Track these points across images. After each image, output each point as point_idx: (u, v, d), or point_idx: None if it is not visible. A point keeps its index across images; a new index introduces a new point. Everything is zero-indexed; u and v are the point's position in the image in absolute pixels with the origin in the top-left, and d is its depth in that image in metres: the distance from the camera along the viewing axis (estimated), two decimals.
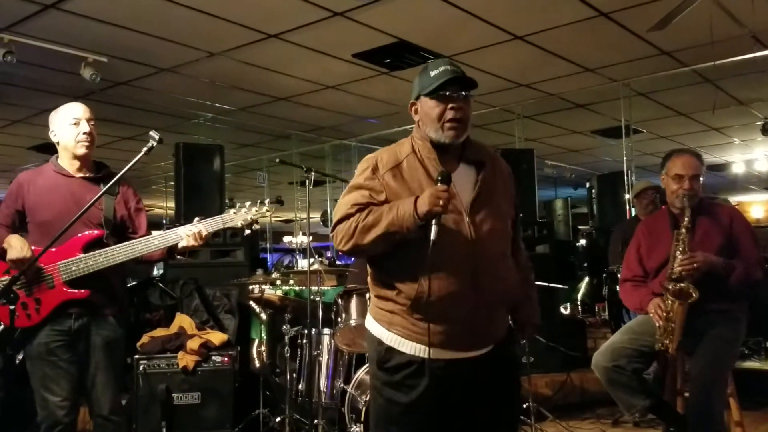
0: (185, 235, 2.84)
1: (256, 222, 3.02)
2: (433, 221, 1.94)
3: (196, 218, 2.92)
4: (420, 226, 1.97)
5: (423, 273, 1.99)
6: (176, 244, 2.86)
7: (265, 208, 3.01)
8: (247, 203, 3.01)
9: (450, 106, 2.08)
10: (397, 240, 2.01)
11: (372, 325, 2.20)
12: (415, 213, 1.96)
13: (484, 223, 2.08)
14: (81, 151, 2.89)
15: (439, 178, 2.00)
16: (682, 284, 3.03)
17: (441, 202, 1.93)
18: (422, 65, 2.25)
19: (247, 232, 3.07)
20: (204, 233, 2.86)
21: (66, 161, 2.94)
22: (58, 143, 2.94)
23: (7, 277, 2.71)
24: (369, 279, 2.23)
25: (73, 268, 2.76)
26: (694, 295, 2.98)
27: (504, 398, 2.20)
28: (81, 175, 2.93)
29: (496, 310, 2.14)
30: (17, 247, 2.70)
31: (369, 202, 2.08)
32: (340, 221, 2.09)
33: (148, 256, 2.88)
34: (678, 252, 3.08)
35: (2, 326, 2.74)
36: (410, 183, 2.09)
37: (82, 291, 2.79)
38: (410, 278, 2.04)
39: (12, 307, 2.57)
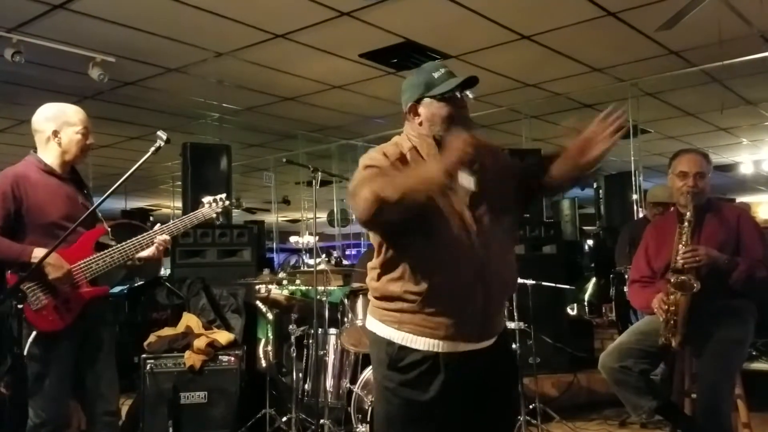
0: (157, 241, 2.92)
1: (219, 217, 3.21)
2: (467, 172, 1.98)
3: (158, 225, 3.00)
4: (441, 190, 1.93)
5: (435, 265, 2.02)
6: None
7: (226, 203, 3.14)
8: (210, 198, 3.13)
9: (459, 105, 2.17)
10: (422, 194, 1.88)
11: (377, 326, 2.14)
12: (439, 167, 1.88)
13: (485, 217, 2.12)
14: (81, 159, 2.91)
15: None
16: (683, 276, 3.02)
17: (469, 149, 1.86)
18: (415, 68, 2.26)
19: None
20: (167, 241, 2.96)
21: (55, 161, 2.87)
22: (59, 142, 2.85)
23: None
24: (370, 281, 2.18)
25: (94, 267, 2.78)
26: (695, 285, 2.98)
27: (509, 386, 2.36)
28: (66, 176, 2.91)
29: (500, 300, 2.23)
30: (56, 264, 2.64)
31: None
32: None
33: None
34: (681, 245, 3.08)
35: (35, 332, 2.65)
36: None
37: (103, 287, 2.85)
38: (421, 273, 2.04)
39: (20, 306, 2.55)
